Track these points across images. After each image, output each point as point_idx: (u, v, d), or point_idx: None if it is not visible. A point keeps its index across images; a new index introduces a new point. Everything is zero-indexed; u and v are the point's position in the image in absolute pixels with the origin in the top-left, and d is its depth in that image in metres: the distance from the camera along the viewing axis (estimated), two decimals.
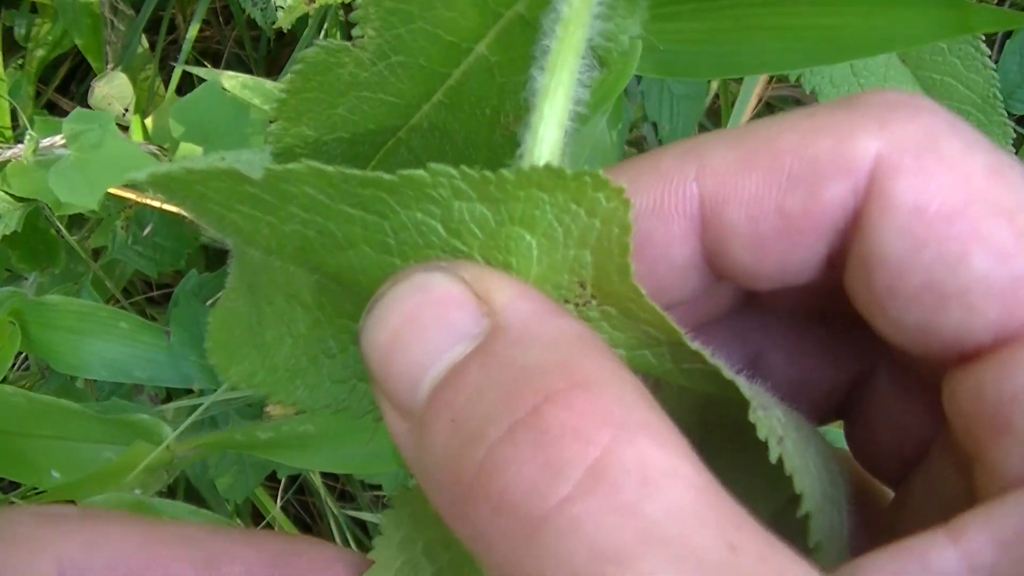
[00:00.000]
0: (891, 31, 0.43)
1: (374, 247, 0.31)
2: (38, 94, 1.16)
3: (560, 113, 0.34)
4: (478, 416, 0.26)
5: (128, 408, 0.89)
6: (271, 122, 0.44)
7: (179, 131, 1.02)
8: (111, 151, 0.90)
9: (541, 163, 0.31)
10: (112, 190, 0.99)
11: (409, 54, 0.41)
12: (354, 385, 0.39)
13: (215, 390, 0.95)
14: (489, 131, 0.45)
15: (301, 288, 0.39)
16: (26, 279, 1.04)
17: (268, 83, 1.04)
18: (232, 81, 1.00)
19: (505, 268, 0.30)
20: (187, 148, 1.03)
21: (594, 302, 0.32)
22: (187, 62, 1.08)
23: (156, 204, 1.03)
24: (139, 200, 1.02)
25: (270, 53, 1.21)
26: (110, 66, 1.09)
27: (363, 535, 1.09)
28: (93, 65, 1.10)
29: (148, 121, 1.06)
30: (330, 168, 0.29)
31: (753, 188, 0.33)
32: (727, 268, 0.35)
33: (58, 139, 0.93)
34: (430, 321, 0.28)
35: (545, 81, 0.35)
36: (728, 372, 0.31)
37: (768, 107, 1.00)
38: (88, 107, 1.06)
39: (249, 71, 1.17)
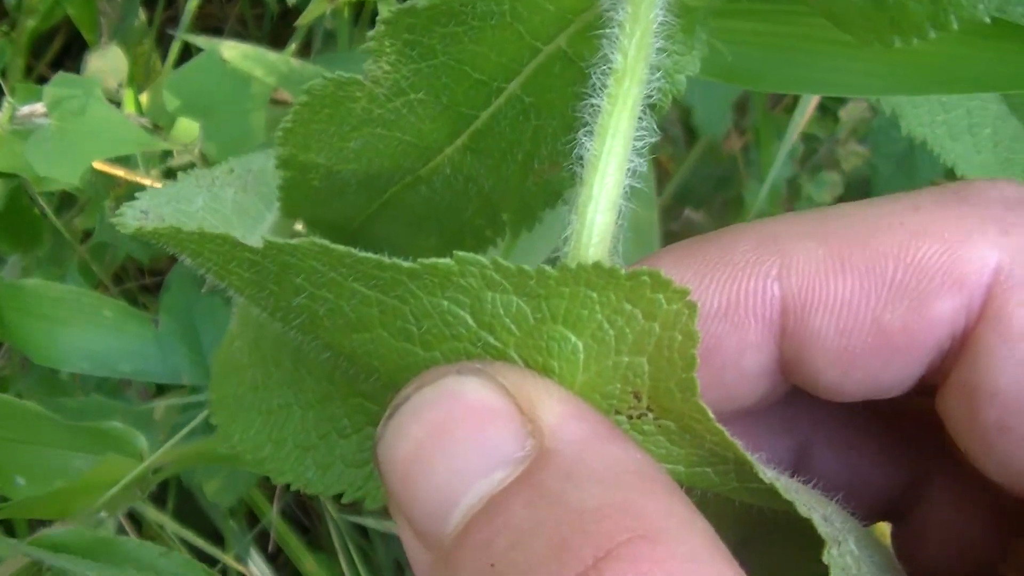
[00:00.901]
0: (990, 68, 0.37)
1: (392, 333, 0.28)
2: (29, 69, 1.10)
3: (612, 192, 0.29)
4: (524, 566, 0.23)
5: (106, 409, 0.83)
6: (279, 146, 0.39)
7: (175, 104, 0.96)
8: (95, 120, 0.81)
9: (590, 250, 0.29)
10: (99, 165, 0.92)
11: (430, 92, 0.36)
12: (371, 471, 0.35)
13: (208, 386, 0.89)
14: (520, 177, 0.39)
15: (310, 356, 0.35)
16: (6, 261, 0.98)
17: (271, 54, 0.98)
18: (233, 51, 0.94)
19: (545, 372, 0.27)
20: (185, 125, 0.97)
21: (650, 415, 0.29)
22: None
23: (147, 182, 0.97)
24: (129, 178, 0.96)
25: (273, 30, 1.15)
26: (104, 39, 1.03)
27: (363, 540, 1.05)
28: (87, 38, 1.04)
29: (144, 97, 1.00)
30: (339, 248, 0.26)
31: (846, 295, 0.28)
32: (805, 380, 0.31)
33: (39, 107, 0.85)
34: (464, 437, 0.25)
35: (594, 151, 0.29)
36: (803, 509, 0.27)
37: (822, 109, 0.94)
38: None
39: None
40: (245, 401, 0.39)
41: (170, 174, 1.00)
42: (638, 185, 0.30)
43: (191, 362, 0.93)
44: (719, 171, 0.96)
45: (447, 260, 0.25)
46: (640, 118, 0.30)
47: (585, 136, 0.30)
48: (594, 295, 0.26)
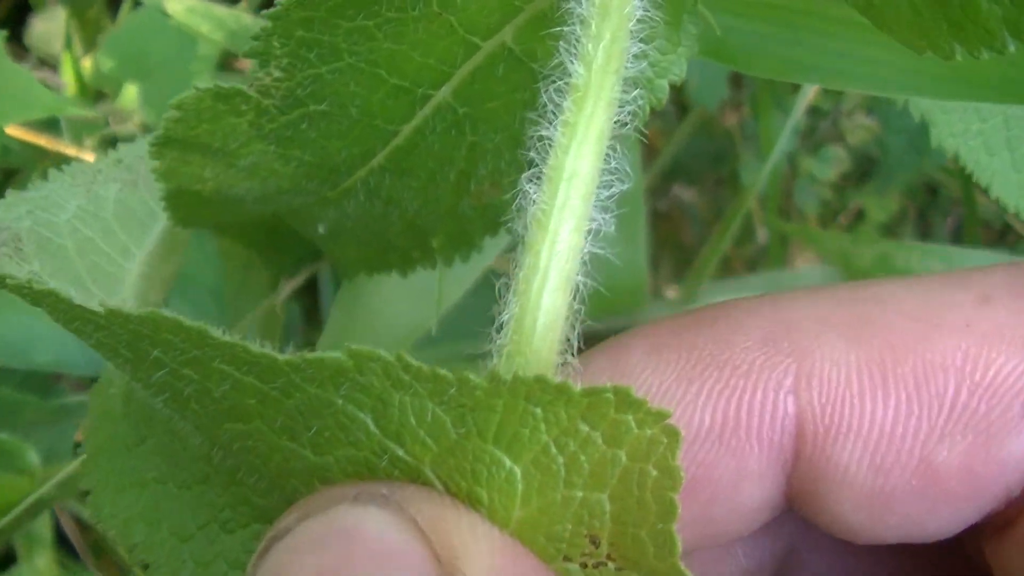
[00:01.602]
0: None
1: (274, 429, 0.23)
2: None
3: (567, 263, 0.22)
4: None
5: (16, 405, 0.74)
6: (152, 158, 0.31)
7: (109, 66, 0.87)
8: None
9: (533, 343, 0.23)
10: (21, 135, 0.84)
11: (335, 102, 0.28)
12: None
13: None
14: (453, 200, 0.32)
15: (185, 429, 0.30)
16: None
17: (220, 8, 0.89)
18: (176, 4, 0.85)
19: (472, 501, 0.22)
20: (130, 91, 0.89)
21: (611, 565, 0.23)
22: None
23: (72, 153, 0.89)
24: (54, 148, 0.87)
25: None
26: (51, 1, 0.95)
27: None
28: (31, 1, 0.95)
29: (86, 62, 0.91)
30: (194, 325, 0.21)
31: (887, 420, 0.22)
32: (820, 518, 0.24)
33: None
34: None
35: (543, 204, 0.21)
36: None
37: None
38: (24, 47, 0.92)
39: None
40: (118, 464, 0.33)
41: (111, 144, 0.92)
42: (600, 251, 0.21)
43: None
44: (713, 146, 0.87)
45: (338, 355, 0.20)
46: (608, 155, 0.22)
47: (531, 183, 0.21)
48: (538, 411, 0.21)
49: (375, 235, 0.34)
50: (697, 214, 0.90)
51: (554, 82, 0.22)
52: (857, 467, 0.23)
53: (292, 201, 0.33)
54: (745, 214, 0.84)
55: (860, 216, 0.90)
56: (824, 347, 0.22)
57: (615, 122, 0.22)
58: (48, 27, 0.96)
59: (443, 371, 0.20)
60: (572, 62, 0.22)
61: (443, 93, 0.28)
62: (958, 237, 0.93)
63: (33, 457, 0.58)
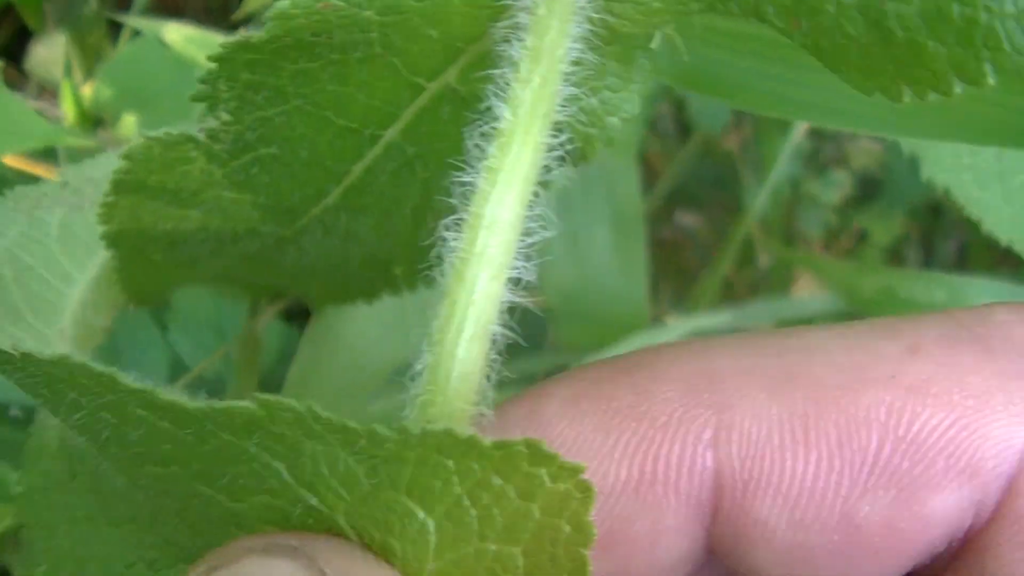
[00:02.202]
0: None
1: (190, 474, 0.23)
2: None
3: (484, 313, 0.21)
4: None
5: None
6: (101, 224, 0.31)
7: (108, 94, 0.88)
8: None
9: (448, 393, 0.22)
10: (17, 164, 0.84)
11: (285, 145, 0.28)
12: None
13: None
14: (412, 231, 0.31)
15: (108, 469, 0.29)
16: None
17: (219, 37, 0.90)
18: (175, 34, 0.86)
19: (385, 552, 0.22)
20: (129, 119, 0.90)
21: None
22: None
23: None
24: (50, 176, 0.87)
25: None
26: (51, 27, 0.96)
27: None
28: (30, 24, 0.96)
29: (87, 89, 0.92)
30: (104, 370, 0.21)
31: (807, 476, 0.21)
32: (742, 572, 0.23)
33: None
34: None
35: (462, 251, 0.21)
36: None
37: None
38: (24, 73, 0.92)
39: None
40: (51, 500, 0.33)
41: None
42: (520, 300, 0.21)
43: None
44: (715, 170, 0.86)
45: (249, 404, 0.20)
46: (533, 202, 0.21)
47: (449, 230, 0.21)
48: (450, 463, 0.20)
49: (335, 268, 0.34)
50: (699, 239, 0.90)
51: (480, 126, 0.22)
52: (776, 522, 0.22)
53: (248, 247, 0.33)
54: (747, 238, 0.83)
55: (863, 237, 0.89)
56: (745, 399, 0.22)
57: (542, 167, 0.22)
58: (49, 53, 0.97)
59: (352, 423, 0.20)
60: (499, 106, 0.22)
61: (391, 133, 0.27)
62: (962, 258, 0.92)
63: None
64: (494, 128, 0.22)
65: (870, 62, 0.24)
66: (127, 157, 0.28)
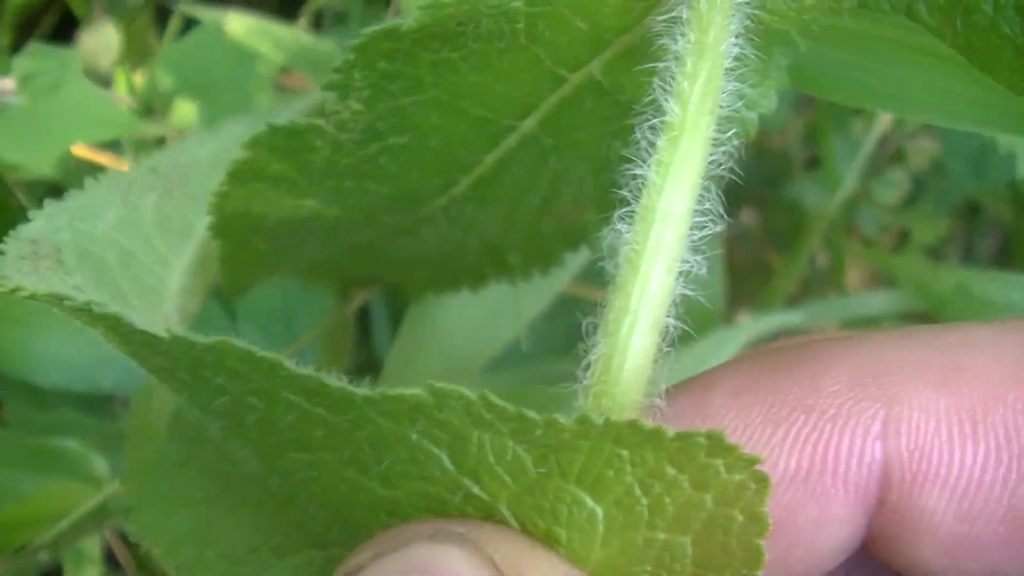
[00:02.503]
0: None
1: (341, 460, 0.23)
2: (16, 50, 1.02)
3: (658, 306, 0.21)
4: None
5: (77, 426, 0.74)
6: (211, 214, 0.30)
7: (167, 83, 0.88)
8: (71, 98, 0.71)
9: (621, 385, 0.22)
10: (81, 151, 0.84)
11: (416, 135, 0.27)
12: None
13: None
14: (534, 221, 0.31)
15: (239, 453, 0.29)
16: None
17: (280, 28, 0.90)
18: (237, 24, 0.85)
19: (549, 541, 0.22)
20: (182, 108, 0.90)
21: None
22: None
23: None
24: (116, 166, 0.87)
25: (281, 7, 1.05)
26: (98, 14, 0.95)
27: None
28: (77, 12, 0.96)
29: (137, 77, 0.92)
30: (268, 356, 0.21)
31: (975, 469, 0.22)
32: (899, 561, 0.24)
33: (7, 82, 0.75)
34: None
35: (635, 245, 0.21)
36: None
37: None
38: None
39: None
40: (163, 482, 0.33)
41: None
42: (691, 294, 0.21)
43: None
44: (764, 168, 0.86)
45: (418, 391, 0.20)
46: (702, 196, 0.21)
47: (623, 222, 0.21)
48: (624, 453, 0.20)
49: (449, 256, 0.34)
50: (752, 237, 0.89)
51: (648, 119, 0.22)
52: (943, 514, 0.22)
53: (361, 236, 0.33)
54: (803, 235, 0.83)
55: (903, 237, 0.88)
56: (913, 393, 0.22)
57: (709, 162, 0.22)
58: (96, 41, 0.97)
59: (530, 412, 0.20)
60: (667, 100, 0.22)
61: (528, 124, 0.27)
62: (1001, 258, 0.92)
63: (99, 465, 0.58)
64: (662, 122, 0.22)
65: None
66: (251, 145, 0.28)
